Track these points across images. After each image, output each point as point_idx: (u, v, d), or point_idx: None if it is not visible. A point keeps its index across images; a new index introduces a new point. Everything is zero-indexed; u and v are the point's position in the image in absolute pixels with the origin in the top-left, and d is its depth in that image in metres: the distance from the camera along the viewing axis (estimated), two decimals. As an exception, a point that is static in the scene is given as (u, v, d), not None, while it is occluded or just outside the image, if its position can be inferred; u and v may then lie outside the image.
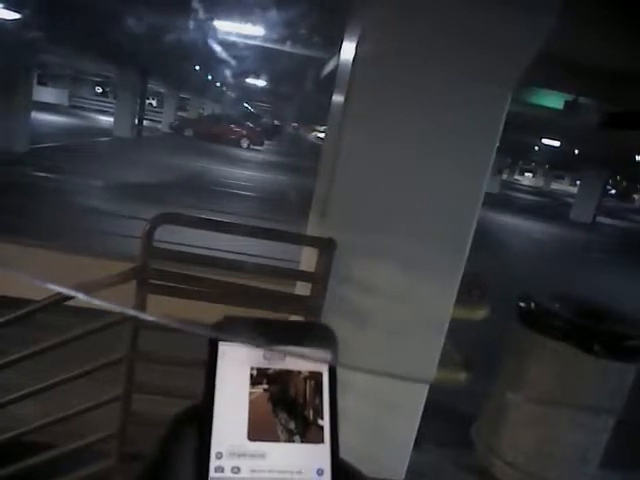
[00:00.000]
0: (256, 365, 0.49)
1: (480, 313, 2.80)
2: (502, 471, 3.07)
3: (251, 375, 0.48)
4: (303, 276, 2.39)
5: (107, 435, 2.05)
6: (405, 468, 2.44)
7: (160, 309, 1.91)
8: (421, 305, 2.23)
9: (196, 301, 1.99)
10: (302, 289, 2.41)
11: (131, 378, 2.01)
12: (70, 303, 1.91)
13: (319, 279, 2.10)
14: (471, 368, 2.58)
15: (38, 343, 1.94)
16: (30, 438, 2.03)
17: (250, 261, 2.39)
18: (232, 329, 0.49)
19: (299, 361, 0.49)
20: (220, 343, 0.48)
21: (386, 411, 2.33)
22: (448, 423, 3.48)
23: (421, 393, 2.35)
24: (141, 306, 1.95)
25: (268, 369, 0.49)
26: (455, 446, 3.36)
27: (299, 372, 0.49)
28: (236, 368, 0.48)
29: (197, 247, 2.71)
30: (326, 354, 0.50)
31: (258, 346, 0.49)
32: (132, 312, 1.76)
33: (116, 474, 2.05)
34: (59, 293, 1.91)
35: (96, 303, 0.48)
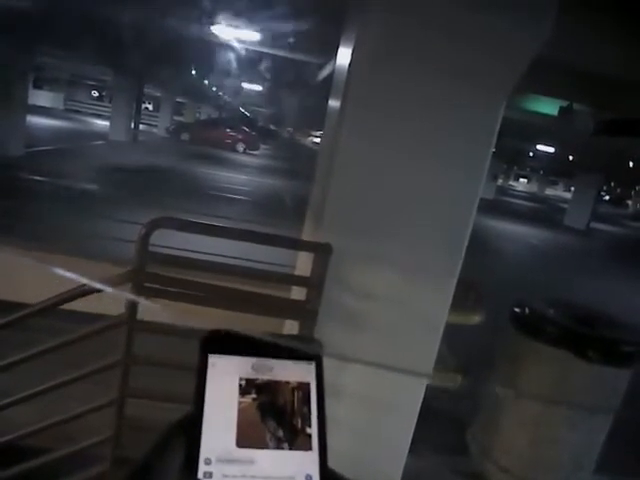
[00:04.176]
0: (245, 376, 0.50)
1: (475, 318, 2.81)
2: (497, 476, 3.07)
3: (240, 385, 0.50)
4: (299, 281, 2.39)
5: (102, 439, 2.04)
6: (400, 473, 2.43)
7: (155, 313, 1.91)
8: (417, 309, 2.23)
9: (191, 305, 1.99)
10: (298, 294, 2.42)
11: (126, 382, 2.01)
12: (65, 307, 1.91)
13: (315, 284, 2.10)
14: (466, 373, 2.58)
15: (32, 347, 1.94)
16: (24, 442, 2.02)
17: (245, 265, 2.39)
18: (221, 341, 0.51)
19: (287, 372, 0.51)
20: (210, 355, 0.50)
21: (382, 416, 2.33)
22: (443, 428, 3.48)
23: (417, 398, 2.35)
24: (135, 310, 1.95)
25: (256, 379, 0.50)
26: (450, 451, 3.36)
27: (287, 382, 0.51)
28: (225, 378, 0.50)
29: (193, 252, 2.71)
30: (312, 365, 0.52)
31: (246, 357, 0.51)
32: (131, 299, 1.76)
33: (110, 478, 2.04)
34: (54, 297, 1.91)
35: (91, 305, 0.48)
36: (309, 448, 0.49)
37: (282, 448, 0.48)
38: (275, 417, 0.49)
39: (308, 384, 0.51)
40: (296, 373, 0.52)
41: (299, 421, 0.50)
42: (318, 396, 0.51)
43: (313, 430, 0.50)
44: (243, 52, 8.12)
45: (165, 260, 2.03)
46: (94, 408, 2.01)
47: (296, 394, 0.51)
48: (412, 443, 2.41)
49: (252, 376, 0.50)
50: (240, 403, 0.49)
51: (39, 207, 7.77)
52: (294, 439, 0.49)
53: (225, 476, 0.46)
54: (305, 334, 2.06)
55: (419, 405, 2.34)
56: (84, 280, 0.47)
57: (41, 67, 24.05)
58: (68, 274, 0.40)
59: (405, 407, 2.36)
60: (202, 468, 0.45)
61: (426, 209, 2.16)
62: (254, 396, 0.49)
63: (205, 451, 0.46)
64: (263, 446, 0.48)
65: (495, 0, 1.95)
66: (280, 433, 0.48)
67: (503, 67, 2.03)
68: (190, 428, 0.47)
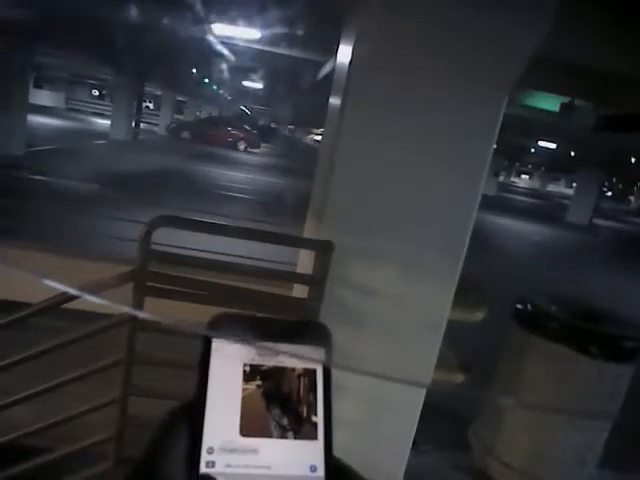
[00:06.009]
0: (249, 362, 0.48)
1: (478, 315, 2.80)
2: (499, 473, 3.07)
3: (244, 371, 0.48)
4: (300, 279, 2.39)
5: (104, 438, 2.04)
6: (403, 470, 2.43)
7: (157, 312, 1.91)
8: (418, 307, 2.23)
9: (193, 304, 1.99)
10: (299, 292, 2.41)
11: (128, 381, 2.01)
12: (67, 306, 1.91)
13: (316, 282, 2.10)
14: (468, 370, 2.58)
15: (35, 346, 1.94)
16: (27, 442, 2.02)
17: (247, 264, 2.39)
18: (226, 326, 0.49)
19: (293, 358, 0.49)
20: (213, 340, 0.48)
21: (384, 413, 2.33)
22: (445, 425, 3.48)
23: (419, 395, 2.35)
24: (138, 309, 1.95)
25: (261, 366, 0.48)
26: (453, 448, 3.36)
27: (293, 369, 0.49)
28: (229, 364, 0.48)
29: (195, 250, 2.71)
30: (319, 352, 0.50)
31: (250, 343, 0.49)
32: (131, 310, 1.76)
33: (114, 477, 2.04)
34: (56, 296, 1.91)
35: (94, 303, 0.48)
36: (314, 437, 0.47)
37: (287, 437, 0.46)
38: (280, 405, 0.47)
39: (314, 371, 0.49)
40: (302, 359, 0.49)
41: (305, 409, 0.48)
42: (325, 383, 0.49)
43: (319, 419, 0.48)
44: (243, 50, 8.10)
45: (167, 259, 2.03)
46: (97, 407, 2.01)
47: (302, 381, 0.49)
48: (414, 439, 2.41)
49: (257, 362, 0.48)
50: (244, 390, 0.47)
51: (40, 206, 7.77)
52: (299, 428, 0.47)
53: (228, 466, 0.44)
54: (312, 321, 2.05)
55: (421, 403, 2.34)
56: (70, 289, 0.46)
57: (42, 66, 24.05)
58: (56, 284, 0.40)
59: (407, 405, 2.36)
60: (204, 457, 0.44)
61: (427, 206, 2.16)
62: (259, 383, 0.48)
63: (208, 440, 0.45)
64: (267, 435, 0.46)
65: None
66: (285, 421, 0.47)
67: (503, 64, 2.02)
68: (192, 416, 0.46)
